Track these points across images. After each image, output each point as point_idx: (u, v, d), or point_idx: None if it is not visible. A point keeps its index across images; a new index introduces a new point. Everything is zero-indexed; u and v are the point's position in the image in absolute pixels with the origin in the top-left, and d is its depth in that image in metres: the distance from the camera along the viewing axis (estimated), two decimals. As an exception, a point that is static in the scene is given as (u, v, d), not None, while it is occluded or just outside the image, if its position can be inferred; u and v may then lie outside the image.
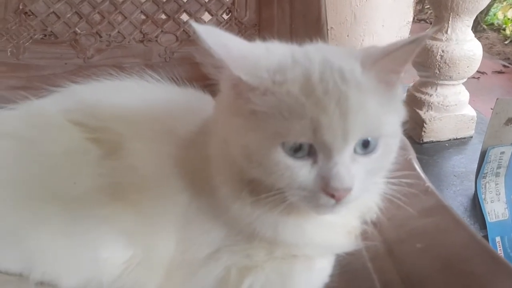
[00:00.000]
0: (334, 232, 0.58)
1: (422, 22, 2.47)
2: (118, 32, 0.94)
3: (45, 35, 0.93)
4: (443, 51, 1.50)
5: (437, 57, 1.51)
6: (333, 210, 0.48)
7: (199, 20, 0.95)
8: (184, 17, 0.96)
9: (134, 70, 0.80)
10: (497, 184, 1.07)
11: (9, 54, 0.91)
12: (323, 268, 0.59)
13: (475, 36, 1.59)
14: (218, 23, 0.96)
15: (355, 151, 0.47)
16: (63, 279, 0.57)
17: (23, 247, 0.57)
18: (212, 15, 0.96)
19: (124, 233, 0.58)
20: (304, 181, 0.47)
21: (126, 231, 0.58)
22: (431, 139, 1.63)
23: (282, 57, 0.48)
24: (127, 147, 0.61)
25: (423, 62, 1.56)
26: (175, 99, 0.71)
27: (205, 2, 0.96)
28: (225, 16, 0.95)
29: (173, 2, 0.96)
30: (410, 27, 2.04)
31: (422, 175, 0.70)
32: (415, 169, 0.70)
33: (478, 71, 2.44)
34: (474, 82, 2.36)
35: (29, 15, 0.94)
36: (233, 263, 0.57)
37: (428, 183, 0.68)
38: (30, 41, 0.93)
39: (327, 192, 0.46)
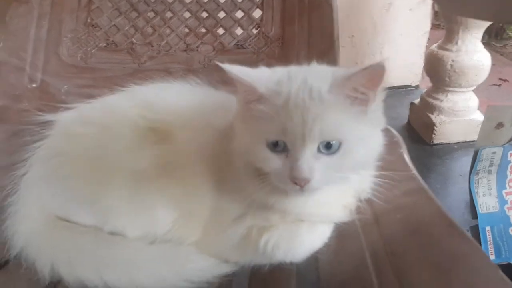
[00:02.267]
0: (332, 206, 0.75)
1: (439, 28, 2.55)
2: (166, 42, 1.14)
3: (108, 44, 1.13)
4: (453, 60, 1.63)
5: (447, 66, 1.65)
6: (301, 194, 0.64)
7: (233, 33, 1.14)
8: (220, 31, 1.14)
9: (179, 74, 0.99)
10: (489, 180, 1.21)
11: (79, 58, 1.12)
12: (324, 231, 0.75)
13: (500, 44, 1.71)
14: (248, 37, 1.13)
15: (319, 150, 0.61)
16: (128, 230, 0.76)
17: (99, 206, 0.74)
18: (243, 29, 1.14)
19: (172, 200, 0.75)
20: (278, 169, 0.63)
21: (174, 198, 0.75)
22: (441, 141, 1.76)
23: (280, 77, 0.65)
24: (176, 135, 0.78)
25: (435, 71, 1.71)
26: (212, 99, 0.88)
27: (238, 19, 1.14)
28: (254, 31, 1.13)
29: (212, 18, 1.14)
30: (427, 36, 2.17)
31: (410, 164, 0.86)
32: (403, 160, 0.87)
33: (500, 78, 2.52)
34: (495, 89, 2.44)
35: (95, 27, 1.14)
36: (254, 224, 0.73)
37: (414, 171, 0.85)
38: (96, 48, 1.13)
39: (291, 180, 0.62)
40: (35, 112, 0.98)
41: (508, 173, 1.21)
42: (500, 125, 1.14)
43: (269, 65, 1.05)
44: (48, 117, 0.88)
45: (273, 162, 0.64)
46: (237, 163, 0.73)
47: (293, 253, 0.73)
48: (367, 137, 0.65)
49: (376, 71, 0.59)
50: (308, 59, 1.01)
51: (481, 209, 1.20)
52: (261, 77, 0.65)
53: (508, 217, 1.19)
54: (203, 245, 0.76)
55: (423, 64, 2.09)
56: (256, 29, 1.13)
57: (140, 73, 1.09)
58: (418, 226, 0.69)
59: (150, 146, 0.78)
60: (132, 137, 0.79)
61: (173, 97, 0.87)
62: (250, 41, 1.11)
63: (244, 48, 1.12)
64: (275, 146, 0.63)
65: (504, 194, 1.22)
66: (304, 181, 0.61)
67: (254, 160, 0.67)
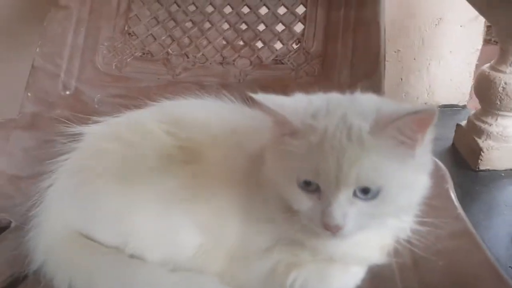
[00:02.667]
0: (368, 247, 0.69)
1: (490, 43, 2.43)
2: (202, 54, 1.10)
3: (143, 53, 1.11)
4: (505, 83, 1.53)
5: (499, 89, 1.55)
6: (333, 238, 0.59)
7: (271, 48, 1.09)
8: (259, 44, 1.10)
9: (213, 88, 0.95)
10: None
11: (114, 67, 1.11)
12: (357, 272, 0.69)
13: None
14: (288, 52, 1.09)
15: (355, 194, 0.56)
16: (149, 254, 0.72)
17: (123, 226, 0.73)
18: (283, 44, 1.09)
19: (198, 224, 0.72)
20: (309, 211, 0.58)
21: (200, 222, 0.72)
22: (487, 168, 1.66)
23: (318, 109, 0.59)
24: (206, 155, 0.76)
25: (485, 92, 1.60)
26: (245, 119, 0.84)
27: (278, 32, 1.10)
28: (294, 46, 1.08)
29: (251, 31, 1.10)
30: (478, 54, 2.06)
31: (456, 203, 0.79)
32: (449, 197, 0.79)
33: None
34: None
35: (131, 36, 1.13)
36: (282, 259, 0.69)
37: (460, 211, 0.77)
38: (131, 57, 1.11)
39: (322, 225, 0.57)
40: (66, 122, 0.98)
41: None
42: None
43: (308, 83, 1.01)
44: (78, 129, 0.86)
45: (304, 202, 0.59)
46: (266, 193, 0.68)
47: (323, 295, 0.68)
48: (411, 183, 0.59)
49: (427, 116, 0.53)
50: (351, 79, 0.97)
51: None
52: (297, 109, 0.59)
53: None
54: (227, 277, 0.72)
55: (471, 83, 1.98)
56: (297, 44, 1.08)
57: (173, 86, 1.06)
58: (461, 277, 0.62)
59: (178, 166, 0.75)
60: (160, 155, 0.76)
61: (204, 115, 0.83)
62: (289, 56, 1.06)
63: (283, 63, 1.07)
64: (308, 185, 0.58)
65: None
66: (336, 228, 0.56)
67: (284, 196, 0.62)
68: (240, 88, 1.05)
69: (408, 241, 0.69)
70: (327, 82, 1.02)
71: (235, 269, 0.71)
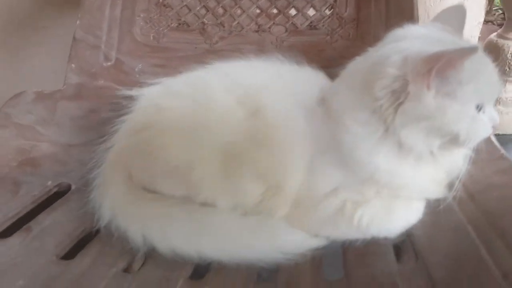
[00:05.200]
0: (427, 180, 0.74)
1: (489, 23, 2.49)
2: (238, 23, 1.14)
3: (180, 24, 1.14)
4: (513, 49, 1.60)
5: (508, 55, 1.61)
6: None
7: (305, 14, 1.13)
8: (293, 11, 1.14)
9: (251, 54, 0.98)
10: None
11: (151, 38, 1.13)
12: (418, 207, 0.74)
13: None
14: (322, 18, 1.12)
15: None
16: (220, 202, 0.77)
17: (192, 178, 0.75)
18: (316, 10, 1.13)
19: (262, 172, 0.76)
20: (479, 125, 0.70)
21: (265, 170, 0.76)
22: (497, 132, 1.72)
23: None
24: (266, 109, 0.79)
25: (494, 60, 1.66)
26: (298, 75, 0.88)
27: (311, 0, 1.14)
28: (327, 12, 1.12)
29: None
30: (480, 27, 2.12)
31: (498, 145, 0.85)
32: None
33: None
34: None
35: (166, 7, 1.16)
36: (349, 198, 0.73)
37: (503, 151, 0.83)
38: (168, 28, 1.14)
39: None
40: (114, 88, 1.01)
41: None
42: None
43: (343, 47, 1.06)
44: (132, 92, 0.90)
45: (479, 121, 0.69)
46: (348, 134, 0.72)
47: (388, 227, 0.73)
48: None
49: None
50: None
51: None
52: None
53: None
54: (294, 219, 0.76)
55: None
56: (329, 10, 1.12)
57: (212, 54, 1.09)
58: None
59: (241, 120, 0.78)
60: (222, 110, 0.80)
61: (259, 72, 0.87)
62: (323, 22, 1.10)
63: (317, 29, 1.11)
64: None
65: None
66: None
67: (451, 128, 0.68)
68: (278, 54, 1.09)
69: (460, 177, 0.75)
70: (363, 45, 1.06)
71: (302, 212, 0.76)
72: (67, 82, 1.06)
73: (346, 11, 1.11)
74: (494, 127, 0.72)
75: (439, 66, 0.62)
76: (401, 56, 0.67)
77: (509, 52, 1.60)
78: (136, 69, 1.10)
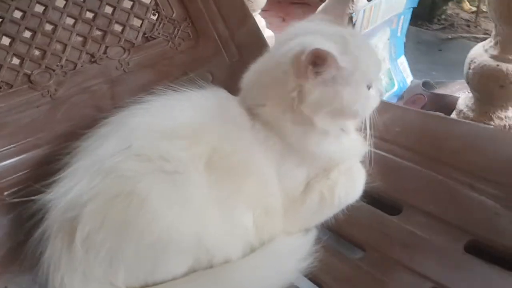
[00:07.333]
0: (358, 142, 0.91)
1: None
2: (66, 60, 0.95)
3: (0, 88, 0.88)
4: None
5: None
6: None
7: (132, 26, 1.03)
8: (118, 27, 1.02)
9: (103, 89, 0.90)
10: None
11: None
12: (360, 167, 0.92)
13: None
14: (152, 25, 1.05)
15: None
16: (232, 255, 0.76)
17: (201, 245, 0.73)
18: (141, 19, 1.04)
19: (246, 202, 0.79)
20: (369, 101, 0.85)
21: (247, 199, 0.79)
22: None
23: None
24: (219, 149, 0.78)
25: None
26: (205, 98, 0.86)
27: (130, 9, 1.03)
28: (153, 17, 1.05)
29: (100, 16, 1.00)
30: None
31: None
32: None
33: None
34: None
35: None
36: (321, 186, 0.85)
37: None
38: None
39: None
40: None
41: None
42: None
43: (190, 48, 1.04)
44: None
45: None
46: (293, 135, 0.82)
47: (356, 192, 0.89)
48: None
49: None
50: (228, 31, 1.07)
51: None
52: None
53: None
54: (289, 227, 0.84)
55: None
56: (155, 15, 1.06)
57: (62, 105, 0.91)
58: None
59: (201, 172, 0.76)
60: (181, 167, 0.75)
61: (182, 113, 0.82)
62: (157, 29, 1.04)
63: (155, 38, 1.04)
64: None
65: None
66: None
67: (350, 107, 0.80)
68: (130, 77, 1.00)
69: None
70: (208, 40, 1.07)
71: (293, 218, 0.85)
72: None
73: (173, 12, 1.07)
74: (381, 97, 0.90)
75: (310, 61, 0.73)
76: (287, 57, 0.77)
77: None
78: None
